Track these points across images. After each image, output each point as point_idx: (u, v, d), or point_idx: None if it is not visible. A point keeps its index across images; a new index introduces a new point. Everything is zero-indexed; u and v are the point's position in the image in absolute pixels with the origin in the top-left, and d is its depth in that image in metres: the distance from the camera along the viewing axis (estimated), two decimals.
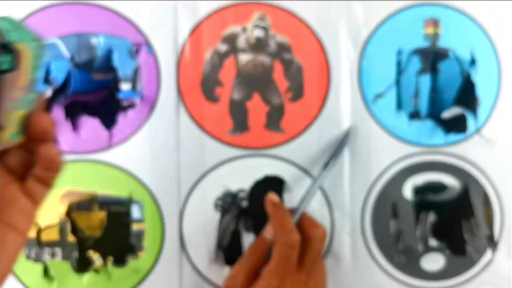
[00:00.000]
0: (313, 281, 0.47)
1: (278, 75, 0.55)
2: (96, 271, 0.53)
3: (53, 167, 0.34)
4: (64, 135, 0.52)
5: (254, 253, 0.48)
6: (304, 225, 0.49)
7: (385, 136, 0.55)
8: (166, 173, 0.54)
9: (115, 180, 0.53)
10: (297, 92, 0.55)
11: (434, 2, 0.55)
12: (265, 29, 0.54)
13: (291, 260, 0.45)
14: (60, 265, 0.53)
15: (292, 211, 0.50)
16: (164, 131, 0.53)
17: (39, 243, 0.52)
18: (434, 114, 0.58)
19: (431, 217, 0.57)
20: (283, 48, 0.55)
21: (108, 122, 0.53)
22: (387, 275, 0.56)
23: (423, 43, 0.55)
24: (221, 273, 0.55)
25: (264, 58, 0.55)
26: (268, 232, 0.49)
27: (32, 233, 0.52)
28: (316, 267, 0.48)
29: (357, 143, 0.55)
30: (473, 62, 0.55)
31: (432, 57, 0.55)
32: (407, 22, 0.55)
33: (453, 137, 0.56)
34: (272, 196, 0.51)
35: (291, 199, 0.54)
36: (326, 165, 0.52)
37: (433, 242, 0.57)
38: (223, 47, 0.54)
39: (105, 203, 0.54)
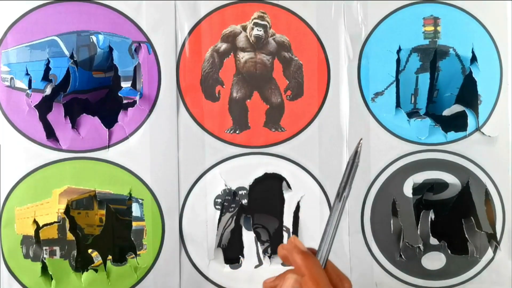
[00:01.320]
0: None
1: (278, 74, 0.55)
2: (95, 269, 0.53)
3: None
4: (64, 133, 0.52)
5: None
6: (330, 276, 0.40)
7: (385, 134, 0.55)
8: (166, 171, 0.53)
9: (114, 178, 0.53)
10: (297, 90, 0.55)
11: (434, 0, 0.55)
12: (264, 27, 0.54)
13: None
14: (58, 264, 0.52)
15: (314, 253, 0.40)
16: (164, 130, 0.53)
17: (38, 241, 0.52)
18: (435, 112, 0.58)
19: (432, 216, 0.57)
20: (282, 47, 0.55)
21: (108, 120, 0.53)
22: (387, 274, 0.56)
23: (422, 41, 0.55)
24: (220, 271, 0.54)
25: (263, 57, 0.55)
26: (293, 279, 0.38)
27: (30, 232, 0.52)
28: None
29: (357, 141, 0.55)
30: (474, 59, 0.55)
31: (432, 55, 0.55)
32: (407, 20, 0.55)
33: (453, 135, 0.56)
34: (297, 242, 0.39)
35: (291, 196, 0.54)
36: (340, 196, 0.40)
37: (433, 240, 0.56)
38: (222, 46, 0.54)
39: (104, 201, 0.53)
